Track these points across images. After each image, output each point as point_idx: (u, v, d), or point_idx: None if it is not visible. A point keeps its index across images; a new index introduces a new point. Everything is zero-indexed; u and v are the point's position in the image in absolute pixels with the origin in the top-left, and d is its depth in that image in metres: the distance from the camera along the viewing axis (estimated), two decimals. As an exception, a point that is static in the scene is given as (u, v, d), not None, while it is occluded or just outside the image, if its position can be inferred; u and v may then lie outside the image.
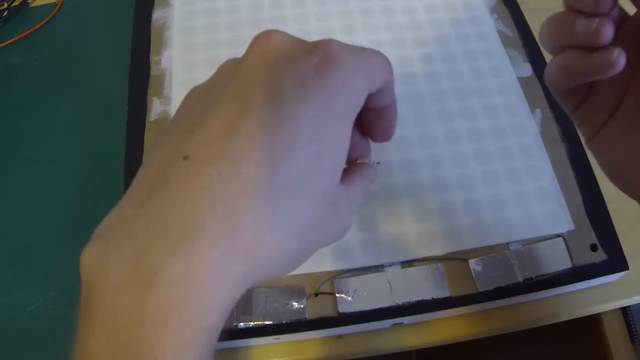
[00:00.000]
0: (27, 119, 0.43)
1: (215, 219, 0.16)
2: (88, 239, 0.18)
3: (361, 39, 0.44)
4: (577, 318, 0.36)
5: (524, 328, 0.35)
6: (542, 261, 0.35)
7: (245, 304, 0.33)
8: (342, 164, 0.20)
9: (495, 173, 0.38)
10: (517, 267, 0.35)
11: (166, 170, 0.17)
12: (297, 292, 0.33)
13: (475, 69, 0.43)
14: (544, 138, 0.40)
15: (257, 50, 0.21)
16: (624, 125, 0.23)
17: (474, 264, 0.35)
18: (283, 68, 0.19)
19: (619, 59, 0.20)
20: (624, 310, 0.39)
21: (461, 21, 0.46)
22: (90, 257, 0.17)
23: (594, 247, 0.36)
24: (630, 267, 0.35)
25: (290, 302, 0.33)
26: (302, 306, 0.33)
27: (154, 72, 0.42)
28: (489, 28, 0.46)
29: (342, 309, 0.33)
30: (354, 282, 0.34)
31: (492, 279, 0.34)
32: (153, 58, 0.43)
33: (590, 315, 0.37)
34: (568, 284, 0.35)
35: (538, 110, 0.41)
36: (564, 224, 0.36)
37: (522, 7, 0.47)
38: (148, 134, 0.39)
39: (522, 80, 0.43)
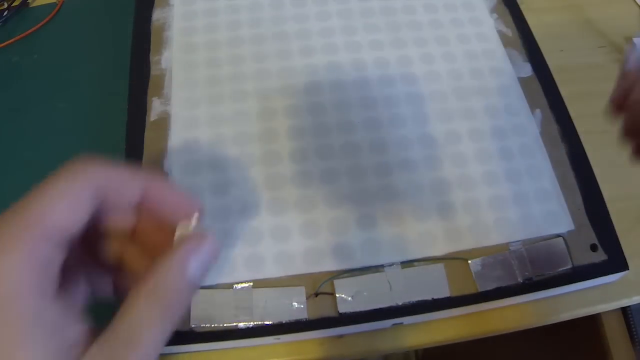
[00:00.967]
0: (27, 119, 0.43)
1: None
2: None
3: (361, 39, 0.44)
4: (577, 318, 0.36)
5: (524, 328, 0.35)
6: (542, 261, 0.35)
7: (245, 304, 0.33)
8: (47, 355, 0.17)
9: (495, 173, 0.38)
10: (517, 267, 0.35)
11: None
12: (297, 292, 0.33)
13: (475, 69, 0.43)
14: (544, 138, 0.40)
15: None
16: None
17: (474, 264, 0.35)
18: None
19: None
20: (624, 310, 0.39)
21: (461, 21, 0.46)
22: None
23: (594, 247, 0.36)
24: (630, 267, 0.35)
25: (290, 302, 0.33)
26: (302, 306, 0.33)
27: (154, 72, 0.42)
28: (489, 28, 0.46)
29: (342, 309, 0.33)
30: (354, 282, 0.34)
31: (492, 279, 0.34)
32: (153, 58, 0.43)
33: (590, 315, 0.37)
34: (568, 284, 0.35)
35: (538, 110, 0.41)
36: (564, 224, 0.36)
37: (522, 7, 0.47)
38: (148, 134, 0.39)
39: (522, 80, 0.43)
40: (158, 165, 0.38)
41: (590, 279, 0.35)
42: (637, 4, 0.49)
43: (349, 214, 0.36)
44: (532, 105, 0.41)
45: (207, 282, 0.33)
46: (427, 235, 0.35)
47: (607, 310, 0.37)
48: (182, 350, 0.33)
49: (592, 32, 0.48)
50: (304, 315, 0.33)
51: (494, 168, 0.38)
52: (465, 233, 0.36)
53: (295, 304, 0.33)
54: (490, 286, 0.34)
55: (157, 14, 0.46)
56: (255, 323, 0.32)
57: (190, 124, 0.39)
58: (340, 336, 0.34)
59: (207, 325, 0.32)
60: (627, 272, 0.35)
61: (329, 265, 0.34)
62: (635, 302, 0.37)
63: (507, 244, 0.35)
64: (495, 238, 0.36)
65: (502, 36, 0.45)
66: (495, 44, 0.45)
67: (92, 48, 0.47)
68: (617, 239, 0.36)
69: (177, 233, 0.21)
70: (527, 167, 0.38)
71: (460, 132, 0.40)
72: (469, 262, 0.35)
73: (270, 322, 0.32)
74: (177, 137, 0.39)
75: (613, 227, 0.36)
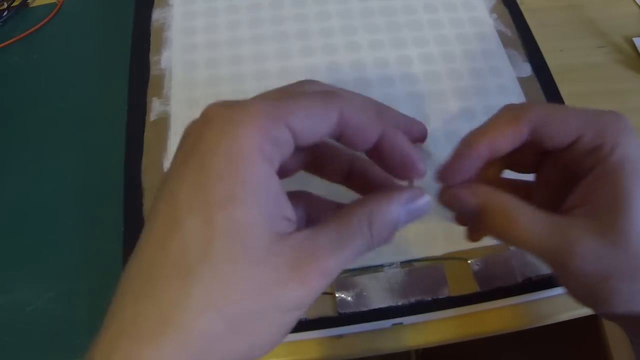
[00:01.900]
0: (27, 119, 0.43)
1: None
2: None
3: (361, 39, 0.44)
4: (577, 318, 0.36)
5: (524, 328, 0.35)
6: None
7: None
8: (264, 214, 0.18)
9: (495, 173, 0.38)
10: (516, 267, 0.35)
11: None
12: (297, 292, 0.33)
13: (475, 69, 0.43)
14: (544, 138, 0.40)
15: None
16: None
17: (474, 264, 0.35)
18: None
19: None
20: (624, 310, 0.39)
21: (461, 21, 0.46)
22: None
23: (594, 247, 0.36)
24: (630, 267, 0.35)
25: (290, 302, 0.33)
26: (302, 306, 0.33)
27: (154, 72, 0.42)
28: (488, 28, 0.46)
29: (342, 309, 0.33)
30: (354, 282, 0.34)
31: (492, 279, 0.34)
32: (153, 58, 0.43)
33: (591, 315, 0.37)
34: (568, 284, 0.35)
35: (538, 110, 0.41)
36: (564, 224, 0.36)
37: (522, 7, 0.47)
38: (148, 134, 0.39)
39: (522, 80, 0.43)
40: (158, 165, 0.38)
41: (590, 279, 0.35)
42: (637, 4, 0.49)
43: (348, 214, 0.36)
44: (532, 105, 0.41)
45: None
46: (427, 235, 0.35)
47: (607, 310, 0.37)
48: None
49: (592, 32, 0.48)
50: (303, 315, 0.33)
51: (494, 168, 0.38)
52: (465, 233, 0.35)
53: (295, 304, 0.33)
54: (490, 286, 0.34)
55: (157, 14, 0.46)
56: (255, 323, 0.32)
57: (190, 124, 0.39)
58: (340, 336, 0.34)
59: (207, 325, 0.32)
60: (627, 272, 0.35)
61: (329, 265, 0.34)
62: (635, 302, 0.37)
63: (507, 244, 0.35)
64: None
65: (502, 36, 0.45)
66: (495, 44, 0.45)
67: (92, 48, 0.47)
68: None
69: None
70: (527, 167, 0.38)
71: (460, 132, 0.39)
72: (469, 262, 0.35)
73: (270, 322, 0.32)
74: (177, 137, 0.38)
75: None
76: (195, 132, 0.19)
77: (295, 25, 0.45)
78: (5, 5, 0.48)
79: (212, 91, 0.41)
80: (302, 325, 0.33)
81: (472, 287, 0.34)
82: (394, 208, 0.21)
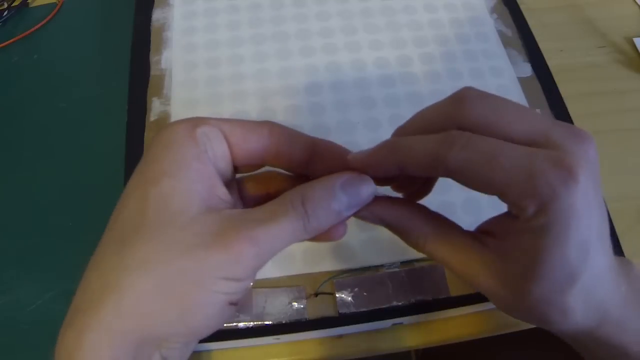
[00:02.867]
0: (27, 119, 0.43)
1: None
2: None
3: (361, 39, 0.44)
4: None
5: (524, 328, 0.35)
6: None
7: (245, 304, 0.33)
8: (192, 188, 0.20)
9: (495, 173, 0.38)
10: (517, 267, 0.35)
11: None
12: (297, 292, 0.33)
13: (475, 69, 0.43)
14: (544, 138, 0.40)
15: None
16: None
17: (473, 264, 0.35)
18: None
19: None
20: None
21: (461, 21, 0.46)
22: None
23: (593, 247, 0.36)
24: (630, 267, 0.35)
25: (290, 302, 0.33)
26: (302, 306, 0.33)
27: (154, 72, 0.42)
28: (489, 28, 0.46)
29: (342, 309, 0.33)
30: (354, 282, 0.34)
31: (492, 279, 0.34)
32: (153, 58, 0.43)
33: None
34: (568, 284, 0.35)
35: (538, 111, 0.41)
36: (564, 224, 0.36)
37: (522, 7, 0.47)
38: (148, 134, 0.39)
39: (522, 80, 0.43)
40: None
41: (590, 279, 0.35)
42: (637, 4, 0.49)
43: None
44: (532, 105, 0.41)
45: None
46: (427, 235, 0.35)
47: (607, 310, 0.37)
48: (182, 350, 0.33)
49: (592, 32, 0.48)
50: (303, 315, 0.33)
51: (494, 168, 0.38)
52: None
53: (295, 304, 0.33)
54: (490, 286, 0.34)
55: (157, 14, 0.46)
56: (255, 323, 0.32)
57: (190, 124, 0.39)
58: (340, 336, 0.34)
59: (207, 325, 0.32)
60: (627, 272, 0.35)
61: (329, 265, 0.34)
62: (635, 302, 0.37)
63: (507, 244, 0.35)
64: (495, 238, 0.36)
65: (502, 36, 0.45)
66: (495, 44, 0.45)
67: (92, 48, 0.47)
68: (617, 238, 0.36)
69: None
70: (527, 167, 0.38)
71: (460, 132, 0.40)
72: (469, 262, 0.35)
73: (270, 322, 0.32)
74: (177, 137, 0.39)
75: (613, 227, 0.36)
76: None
77: (295, 25, 0.45)
78: (5, 5, 0.48)
79: (212, 91, 0.41)
80: (302, 325, 0.33)
81: (472, 287, 0.34)
82: (329, 187, 0.21)
